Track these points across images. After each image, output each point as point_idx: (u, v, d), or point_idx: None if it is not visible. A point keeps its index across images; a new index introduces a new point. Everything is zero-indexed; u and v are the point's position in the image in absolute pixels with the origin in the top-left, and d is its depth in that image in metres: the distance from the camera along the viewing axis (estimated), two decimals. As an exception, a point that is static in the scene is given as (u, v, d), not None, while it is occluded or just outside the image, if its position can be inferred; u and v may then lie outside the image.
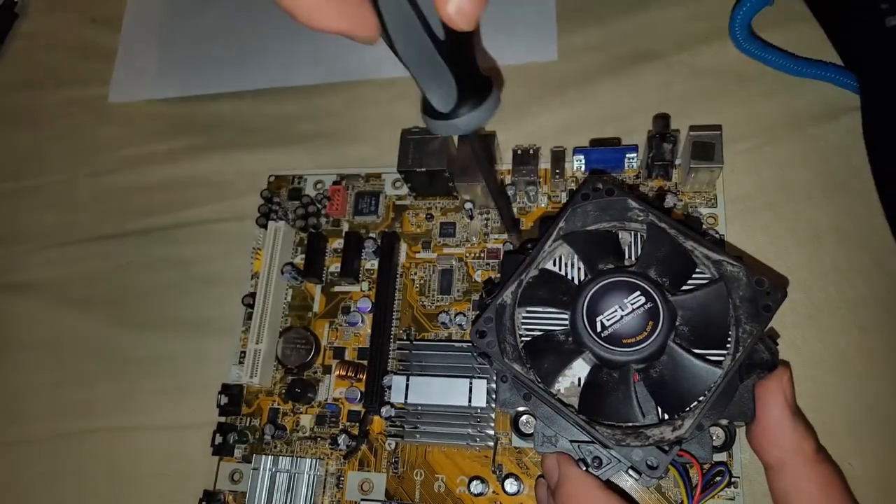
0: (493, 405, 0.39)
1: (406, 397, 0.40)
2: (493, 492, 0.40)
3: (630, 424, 0.30)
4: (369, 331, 0.44)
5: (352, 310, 0.46)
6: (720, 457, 0.37)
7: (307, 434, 0.44)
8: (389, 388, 0.41)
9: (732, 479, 0.36)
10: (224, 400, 0.44)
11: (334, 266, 0.47)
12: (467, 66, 0.25)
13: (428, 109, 0.26)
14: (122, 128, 0.59)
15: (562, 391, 0.33)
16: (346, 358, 0.45)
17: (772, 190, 0.43)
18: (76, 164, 0.58)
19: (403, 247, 0.47)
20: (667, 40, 0.49)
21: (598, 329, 0.31)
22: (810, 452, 0.31)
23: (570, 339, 0.32)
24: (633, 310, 0.31)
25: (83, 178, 0.58)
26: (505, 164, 0.47)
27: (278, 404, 0.45)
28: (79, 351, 0.51)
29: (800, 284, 0.41)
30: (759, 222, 0.43)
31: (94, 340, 0.51)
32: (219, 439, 0.43)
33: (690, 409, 0.30)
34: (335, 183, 0.50)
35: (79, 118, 0.60)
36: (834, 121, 0.44)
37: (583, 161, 0.44)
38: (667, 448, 0.29)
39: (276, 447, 0.44)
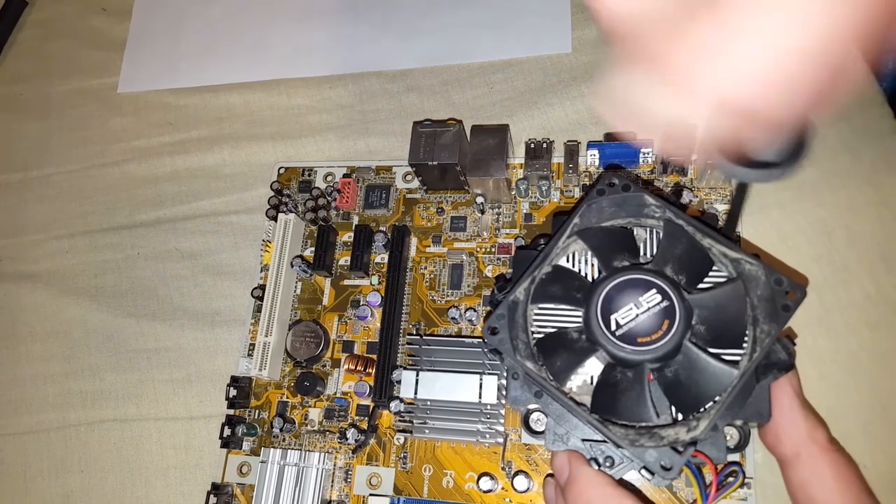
0: (504, 401, 0.39)
1: (416, 392, 0.39)
2: (503, 488, 0.40)
3: (644, 424, 0.30)
4: (379, 325, 0.44)
5: (361, 303, 0.45)
6: (733, 457, 0.36)
7: (316, 428, 0.43)
8: (399, 382, 0.40)
9: (746, 480, 0.36)
10: (233, 392, 0.44)
11: (344, 259, 0.47)
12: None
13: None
14: (132, 118, 0.59)
15: (574, 389, 0.32)
16: (356, 352, 0.45)
17: (781, 188, 0.43)
18: (85, 155, 0.58)
19: (414, 241, 0.46)
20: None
21: (613, 327, 0.30)
22: (823, 441, 0.32)
23: (583, 336, 0.32)
24: (649, 308, 0.30)
25: (92, 168, 0.58)
26: (517, 157, 0.46)
27: (287, 397, 0.45)
28: (88, 342, 0.51)
29: (810, 284, 0.40)
30: (769, 221, 0.42)
31: (102, 331, 0.51)
32: (227, 432, 0.43)
33: (706, 409, 0.30)
34: (345, 175, 0.49)
35: (88, 108, 0.60)
36: (845, 119, 0.43)
37: (597, 156, 0.44)
38: (681, 449, 0.29)
39: (284, 440, 0.44)
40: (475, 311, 0.43)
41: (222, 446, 0.43)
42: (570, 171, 0.44)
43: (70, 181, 0.58)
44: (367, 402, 0.43)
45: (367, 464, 0.42)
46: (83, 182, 0.57)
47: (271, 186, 0.49)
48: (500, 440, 0.39)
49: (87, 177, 0.57)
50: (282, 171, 0.51)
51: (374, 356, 0.43)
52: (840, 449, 0.32)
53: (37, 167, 0.59)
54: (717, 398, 0.29)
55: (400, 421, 0.41)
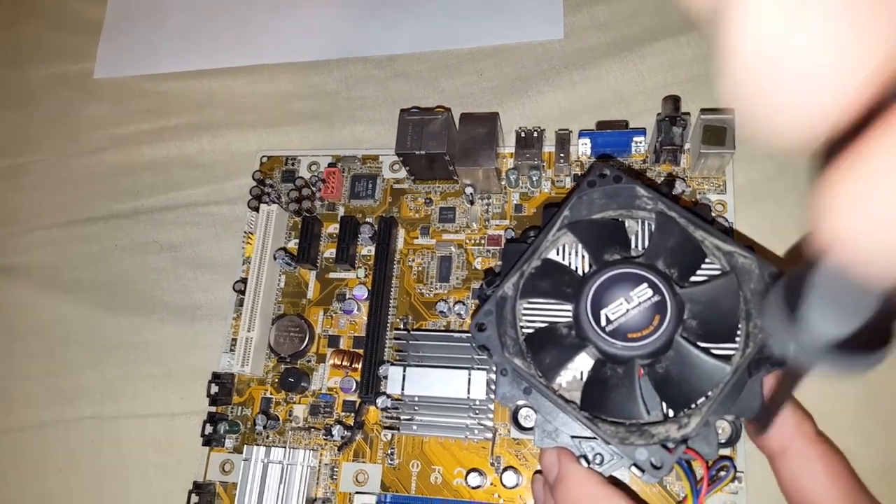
0: (493, 397, 0.38)
1: (403, 388, 0.39)
2: (492, 484, 0.39)
3: (634, 421, 0.29)
4: (365, 319, 0.43)
5: (347, 297, 0.44)
6: (724, 451, 0.36)
7: (300, 424, 0.43)
8: (385, 378, 0.40)
9: (737, 474, 0.36)
10: (214, 389, 0.43)
11: (329, 251, 0.46)
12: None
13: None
14: (109, 105, 0.57)
15: (564, 385, 0.32)
16: (341, 347, 0.44)
17: (776, 180, 0.42)
18: (62, 143, 0.56)
19: (401, 232, 0.45)
20: (675, 19, 0.47)
21: (603, 322, 0.30)
22: (811, 434, 0.31)
23: (572, 332, 0.31)
24: (640, 303, 0.29)
25: (69, 157, 0.56)
26: (507, 146, 0.45)
27: (271, 394, 0.44)
28: (66, 337, 0.50)
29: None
30: (763, 212, 0.41)
31: (81, 326, 0.50)
32: (209, 429, 0.42)
33: (697, 405, 0.29)
34: (330, 165, 0.48)
35: (64, 95, 0.58)
36: None
37: (588, 144, 0.43)
38: (672, 447, 0.28)
39: (268, 437, 0.43)
40: (464, 304, 0.42)
41: (204, 444, 0.42)
42: (562, 160, 0.43)
43: (46, 170, 0.56)
44: (354, 398, 0.42)
45: (353, 460, 0.41)
46: (59, 171, 0.55)
47: (253, 176, 0.48)
48: (489, 435, 0.39)
49: (64, 166, 0.56)
50: (264, 160, 0.50)
51: (361, 351, 0.42)
52: (827, 440, 0.32)
53: (10, 156, 0.57)
54: (708, 394, 0.29)
55: (387, 417, 0.40)
